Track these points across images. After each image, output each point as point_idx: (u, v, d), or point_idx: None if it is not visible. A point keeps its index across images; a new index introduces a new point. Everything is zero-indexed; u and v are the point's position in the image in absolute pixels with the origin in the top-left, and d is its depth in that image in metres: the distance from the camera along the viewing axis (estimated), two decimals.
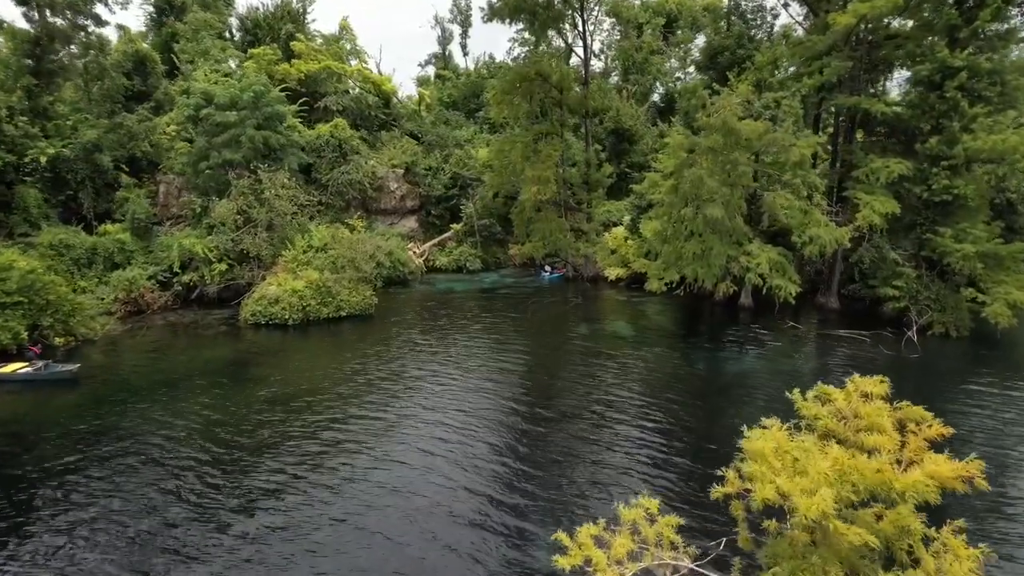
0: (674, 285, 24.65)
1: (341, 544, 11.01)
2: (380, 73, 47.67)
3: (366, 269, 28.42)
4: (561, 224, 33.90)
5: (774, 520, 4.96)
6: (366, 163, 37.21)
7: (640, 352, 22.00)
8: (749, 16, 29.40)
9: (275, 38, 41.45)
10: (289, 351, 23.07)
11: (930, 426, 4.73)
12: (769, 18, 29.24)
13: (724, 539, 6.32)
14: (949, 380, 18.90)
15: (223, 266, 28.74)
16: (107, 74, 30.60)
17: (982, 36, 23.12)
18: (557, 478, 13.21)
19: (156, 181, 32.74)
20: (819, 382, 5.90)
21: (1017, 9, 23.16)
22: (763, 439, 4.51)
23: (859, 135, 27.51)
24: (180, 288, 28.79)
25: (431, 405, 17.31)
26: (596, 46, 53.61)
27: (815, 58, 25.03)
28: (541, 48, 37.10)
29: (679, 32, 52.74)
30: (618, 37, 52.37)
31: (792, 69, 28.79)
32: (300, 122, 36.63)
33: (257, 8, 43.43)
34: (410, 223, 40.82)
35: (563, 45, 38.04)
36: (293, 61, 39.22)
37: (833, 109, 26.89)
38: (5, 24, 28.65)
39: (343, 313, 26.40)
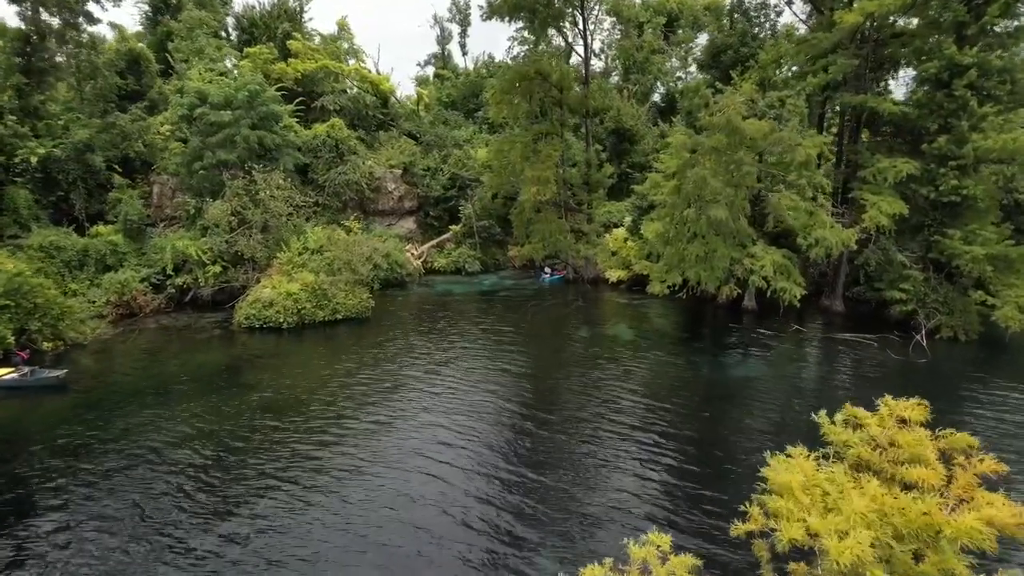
0: (676, 288, 24.14)
1: (334, 556, 10.59)
2: (378, 72, 47.17)
3: (363, 271, 27.91)
4: (561, 225, 33.40)
5: (802, 564, 4.46)
6: (363, 163, 36.71)
7: (642, 356, 21.51)
8: (752, 14, 28.91)
9: (271, 37, 40.94)
10: (283, 355, 22.57)
11: (981, 460, 4.23)
12: (773, 15, 28.79)
13: None
14: (960, 385, 18.41)
15: (217, 268, 28.23)
16: (100, 73, 30.06)
17: (990, 33, 22.66)
18: (560, 489, 12.73)
19: (150, 182, 32.22)
20: (847, 403, 5.35)
21: None
22: (789, 470, 4.02)
23: (864, 135, 27.05)
24: (174, 291, 28.28)
25: (429, 411, 16.83)
26: (596, 45, 53.18)
27: (820, 56, 24.57)
28: (541, 47, 36.63)
29: (680, 31, 52.26)
30: (619, 36, 51.89)
31: (795, 68, 28.39)
32: (296, 122, 36.11)
33: (253, 6, 42.97)
34: (408, 224, 40.31)
35: (563, 44, 37.59)
36: (290, 60, 38.71)
37: (838, 108, 26.40)
38: None
39: (339, 316, 25.90)
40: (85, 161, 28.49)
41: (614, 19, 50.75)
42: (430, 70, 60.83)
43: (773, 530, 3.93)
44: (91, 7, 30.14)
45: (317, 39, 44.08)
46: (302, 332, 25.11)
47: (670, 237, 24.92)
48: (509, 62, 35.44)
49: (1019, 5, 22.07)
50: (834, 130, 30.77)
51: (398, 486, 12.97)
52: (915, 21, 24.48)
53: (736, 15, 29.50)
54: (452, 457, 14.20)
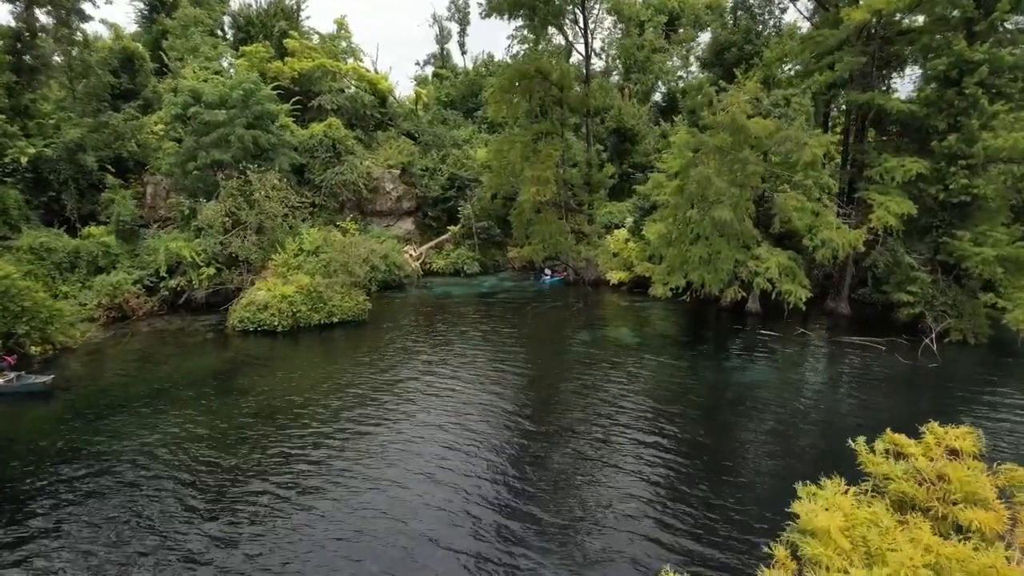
0: (679, 291, 23.63)
1: (327, 565, 10.16)
2: (376, 72, 46.66)
3: (359, 273, 27.40)
4: (561, 226, 32.90)
5: None
6: (361, 163, 36.20)
7: (645, 361, 21.00)
8: (756, 10, 28.41)
9: (268, 35, 40.44)
10: (278, 360, 22.05)
11: None
12: (777, 12, 28.26)
13: None
14: (972, 391, 17.88)
15: (211, 270, 27.71)
16: (92, 71, 29.57)
17: (1000, 29, 22.18)
18: (563, 498, 12.25)
19: (143, 182, 31.73)
20: (887, 429, 4.82)
21: None
22: (826, 511, 3.51)
23: (870, 135, 26.56)
24: (167, 293, 27.77)
25: (427, 418, 16.32)
26: (597, 44, 52.64)
27: (826, 53, 24.08)
28: (541, 46, 36.15)
29: (681, 30, 51.79)
30: (619, 35, 51.42)
31: (798, 67, 27.88)
32: (293, 121, 35.62)
33: (249, 4, 42.44)
34: (406, 225, 39.80)
35: (563, 43, 37.10)
36: (286, 59, 38.22)
37: (844, 107, 25.89)
38: None
39: (335, 319, 25.38)
40: (77, 161, 27.98)
41: (615, 18, 50.30)
42: (429, 70, 60.38)
43: None
44: (83, 4, 29.77)
45: (315, 39, 43.59)
46: (297, 335, 24.60)
47: (673, 238, 24.43)
48: (509, 60, 34.91)
49: None
50: (839, 129, 30.32)
51: (396, 494, 12.50)
52: (921, 19, 24.03)
53: (740, 12, 28.98)
54: (452, 464, 13.73)
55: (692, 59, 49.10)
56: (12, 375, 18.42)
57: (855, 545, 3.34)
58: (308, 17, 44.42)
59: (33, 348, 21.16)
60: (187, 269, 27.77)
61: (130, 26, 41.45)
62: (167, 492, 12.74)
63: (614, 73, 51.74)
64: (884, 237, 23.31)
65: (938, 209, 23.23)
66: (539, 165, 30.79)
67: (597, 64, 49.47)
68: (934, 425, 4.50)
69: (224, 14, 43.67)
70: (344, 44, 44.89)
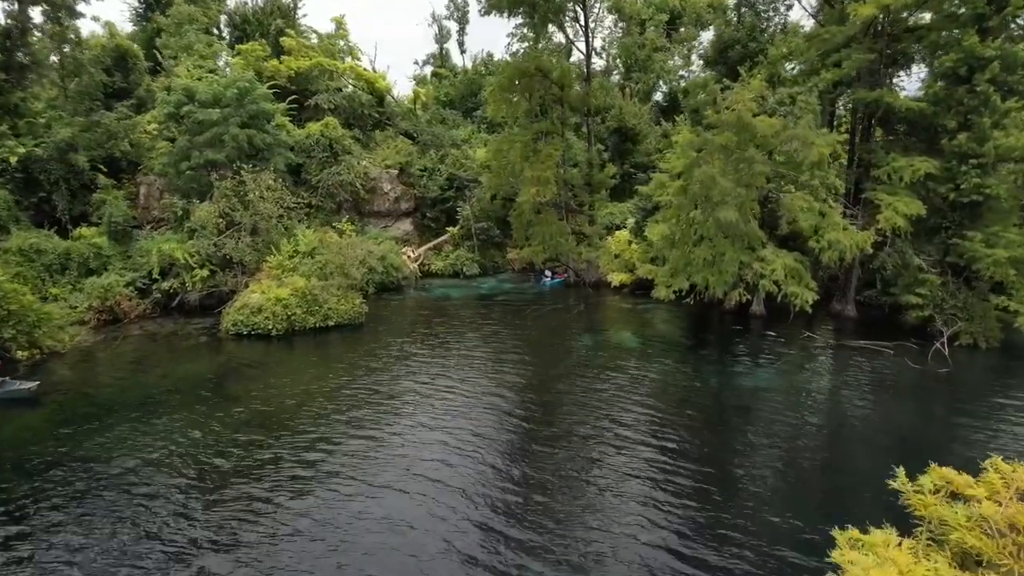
0: (683, 293, 23.09)
1: None
2: (374, 71, 46.13)
3: (356, 275, 26.83)
4: (562, 227, 32.35)
5: None
6: (358, 163, 35.66)
7: (648, 365, 20.47)
8: (760, 7, 27.90)
9: (264, 34, 39.91)
10: (272, 364, 21.51)
11: None
12: (782, 9, 27.75)
13: None
14: (986, 397, 17.35)
15: (205, 272, 27.15)
16: (84, 70, 29.01)
17: (1012, 25, 21.68)
18: (567, 512, 11.73)
19: (136, 182, 31.17)
20: (932, 463, 4.27)
21: None
22: (878, 568, 2.95)
23: (877, 134, 26.04)
24: (160, 295, 27.20)
25: (425, 425, 15.81)
26: (597, 43, 52.06)
27: (833, 51, 23.57)
28: (541, 45, 35.64)
29: (682, 29, 51.30)
30: (620, 34, 50.91)
31: (800, 67, 27.37)
32: (289, 121, 35.09)
33: (246, 3, 41.91)
34: (404, 226, 39.26)
35: (563, 41, 36.61)
36: (283, 58, 37.69)
37: (851, 105, 25.37)
38: None
39: (331, 322, 24.82)
40: (68, 161, 27.42)
41: (615, 16, 49.80)
42: (428, 70, 59.88)
43: None
44: (77, 5, 29.20)
45: (313, 38, 43.06)
46: (292, 339, 24.05)
47: (676, 240, 23.90)
48: (508, 59, 34.38)
49: None
50: (843, 128, 29.79)
51: (392, 508, 11.97)
52: (928, 16, 23.52)
53: (744, 9, 28.47)
54: (450, 476, 13.21)
55: (694, 58, 48.64)
56: None
57: None
58: (305, 15, 43.96)
59: (19, 353, 20.59)
60: (180, 271, 27.22)
61: (125, 25, 41.01)
62: (155, 504, 12.23)
63: (615, 72, 51.24)
64: (892, 238, 22.78)
65: (948, 210, 22.71)
66: (539, 165, 30.26)
67: (597, 63, 49.01)
68: (998, 460, 3.94)
69: (221, 13, 43.17)
70: (342, 43, 44.37)
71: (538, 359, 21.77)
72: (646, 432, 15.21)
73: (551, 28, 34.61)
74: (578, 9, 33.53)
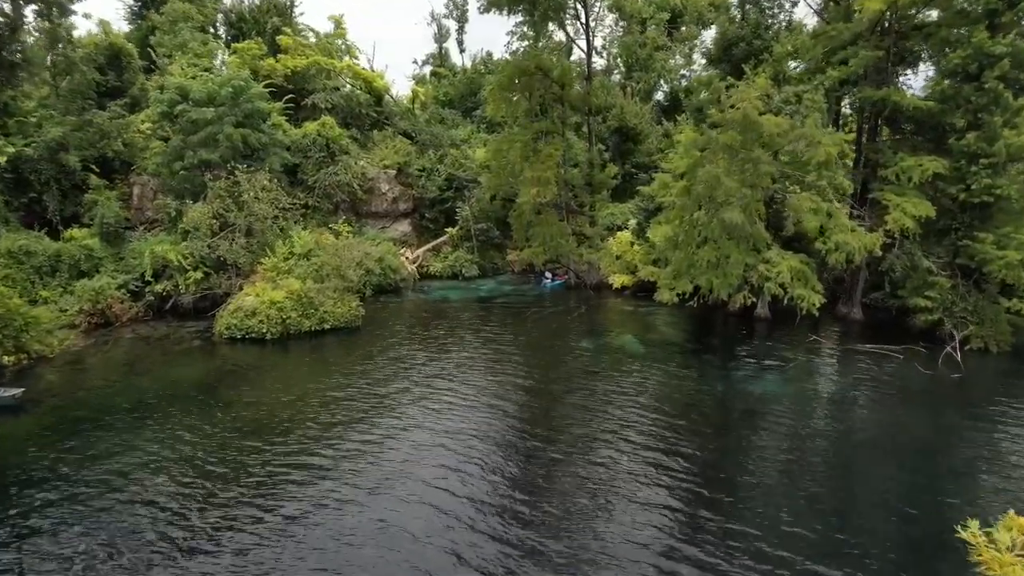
0: (686, 296, 22.57)
1: None
2: (372, 70, 45.61)
3: (353, 278, 26.30)
4: (563, 228, 31.83)
5: None
6: (356, 163, 35.12)
7: (651, 370, 19.97)
8: (765, 4, 27.40)
9: (261, 32, 39.38)
10: (266, 369, 21.00)
11: None
12: (787, 5, 27.26)
13: None
14: (1002, 404, 16.82)
15: (199, 274, 26.62)
16: (76, 68, 28.47)
17: None
18: (570, 522, 11.28)
19: (130, 183, 30.64)
20: (1009, 510, 3.76)
21: None
22: None
23: (883, 133, 25.56)
24: (152, 298, 26.66)
25: (422, 433, 15.31)
26: (598, 42, 51.54)
27: (839, 48, 23.06)
28: (541, 44, 35.17)
29: (683, 28, 50.82)
30: (621, 33, 50.42)
31: (802, 65, 26.88)
32: (286, 120, 34.57)
33: (242, 1, 41.37)
34: (403, 227, 38.72)
35: (564, 40, 36.12)
36: (279, 56, 37.16)
37: (857, 104, 24.85)
38: None
39: (327, 326, 24.29)
40: (59, 161, 26.90)
41: (616, 15, 49.30)
42: (427, 70, 59.37)
43: None
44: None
45: (312, 37, 42.52)
46: (287, 343, 23.52)
47: (679, 241, 23.38)
48: (508, 57, 33.87)
49: None
50: (847, 128, 29.31)
51: (389, 517, 11.55)
52: (935, 13, 23.04)
53: (748, 6, 27.97)
54: (450, 484, 12.77)
55: (696, 57, 48.20)
56: None
57: None
58: (302, 13, 43.42)
59: (6, 358, 20.04)
60: (174, 273, 26.69)
61: (121, 24, 40.47)
62: (145, 514, 11.78)
63: (615, 72, 50.75)
64: (900, 240, 22.28)
65: (957, 210, 22.21)
66: (539, 165, 29.74)
67: (598, 63, 48.48)
68: None
69: (218, 12, 42.62)
70: (339, 42, 43.83)
71: (539, 364, 21.26)
72: (652, 440, 14.71)
73: (551, 26, 34.16)
74: (579, 7, 33.04)
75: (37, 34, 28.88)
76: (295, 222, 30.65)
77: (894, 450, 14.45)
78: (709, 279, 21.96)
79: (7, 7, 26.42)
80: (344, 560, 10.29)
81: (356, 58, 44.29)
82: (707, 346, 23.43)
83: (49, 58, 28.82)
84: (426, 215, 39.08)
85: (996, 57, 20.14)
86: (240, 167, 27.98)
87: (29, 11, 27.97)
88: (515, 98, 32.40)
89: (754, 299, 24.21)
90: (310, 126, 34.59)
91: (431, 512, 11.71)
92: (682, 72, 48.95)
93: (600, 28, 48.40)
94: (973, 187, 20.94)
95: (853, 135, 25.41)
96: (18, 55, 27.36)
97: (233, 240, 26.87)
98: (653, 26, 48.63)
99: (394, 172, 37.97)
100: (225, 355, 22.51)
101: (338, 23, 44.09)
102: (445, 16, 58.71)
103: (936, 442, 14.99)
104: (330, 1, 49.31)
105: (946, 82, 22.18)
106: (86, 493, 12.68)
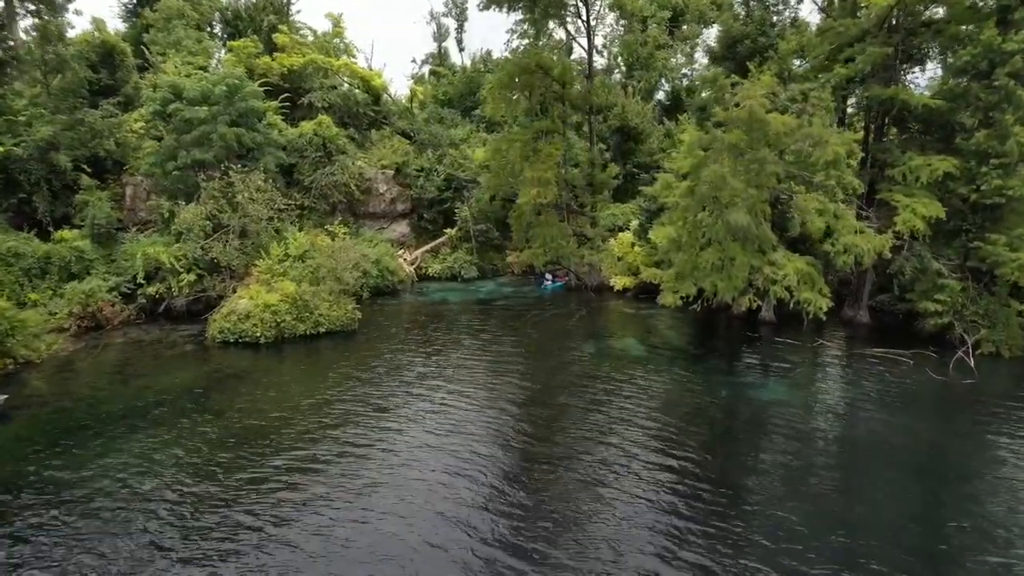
0: (690, 299, 22.03)
1: None
2: (370, 69, 45.05)
3: (349, 280, 25.76)
4: (563, 229, 31.29)
5: None
6: (353, 163, 34.57)
7: (653, 375, 19.46)
8: (770, 0, 26.86)
9: (257, 30, 38.83)
10: (260, 374, 20.46)
11: None
12: (793, 1, 26.72)
13: None
14: (1016, 410, 16.30)
15: (192, 276, 26.09)
16: (67, 66, 27.90)
17: None
18: (572, 540, 10.77)
19: (123, 183, 30.10)
20: None
21: None
22: None
23: (891, 132, 25.03)
24: (145, 301, 26.12)
25: (421, 441, 14.85)
26: (598, 41, 51.02)
27: (847, 45, 22.54)
28: (541, 42, 34.63)
29: (685, 27, 50.29)
30: (622, 31, 49.89)
31: (805, 63, 26.35)
32: (282, 119, 34.02)
33: None
34: (401, 228, 38.18)
35: (564, 38, 35.59)
36: (275, 55, 36.61)
37: (864, 103, 24.33)
38: None
39: (322, 329, 23.76)
40: (49, 160, 26.36)
41: (617, 14, 48.75)
42: (427, 69, 58.81)
43: None
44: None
45: (309, 37, 41.97)
46: (281, 347, 22.99)
47: (683, 243, 22.83)
48: (508, 56, 33.34)
49: None
50: (853, 127, 28.74)
51: (386, 527, 11.13)
52: (942, 11, 22.52)
53: (753, 2, 27.42)
54: (449, 494, 12.34)
55: (697, 55, 47.66)
56: None
57: None
58: (299, 11, 42.87)
59: None
60: (166, 275, 26.16)
61: (116, 22, 39.99)
62: (128, 529, 11.33)
63: (615, 71, 50.22)
64: (910, 242, 21.75)
65: (968, 211, 21.69)
66: (540, 165, 29.19)
67: (598, 62, 47.91)
68: None
69: (215, 10, 42.01)
70: (337, 41, 43.27)
71: (539, 368, 20.75)
72: (657, 448, 14.22)
73: (551, 24, 33.61)
74: (579, 4, 32.48)
75: (30, 31, 28.31)
76: (291, 223, 30.11)
77: (907, 460, 13.95)
78: (713, 282, 21.39)
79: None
80: (339, 572, 9.80)
81: (354, 57, 43.75)
82: (711, 350, 22.91)
83: (40, 56, 28.22)
84: (424, 216, 38.54)
85: (1008, 54, 19.65)
86: (234, 167, 27.43)
87: (20, 7, 27.45)
88: (515, 97, 31.87)
89: (759, 302, 23.67)
90: (306, 125, 34.05)
91: (429, 523, 11.30)
92: (683, 71, 48.44)
93: (601, 27, 47.95)
94: (983, 188, 20.45)
95: (861, 134, 24.89)
96: (7, 52, 26.82)
97: (227, 242, 26.35)
98: (654, 24, 48.11)
99: (392, 172, 37.43)
100: (218, 360, 21.98)
101: (336, 22, 43.54)
102: (444, 15, 58.26)
103: (950, 450, 14.48)
104: (328, 0, 48.87)
105: (954, 80, 21.69)
106: (70, 505, 12.22)
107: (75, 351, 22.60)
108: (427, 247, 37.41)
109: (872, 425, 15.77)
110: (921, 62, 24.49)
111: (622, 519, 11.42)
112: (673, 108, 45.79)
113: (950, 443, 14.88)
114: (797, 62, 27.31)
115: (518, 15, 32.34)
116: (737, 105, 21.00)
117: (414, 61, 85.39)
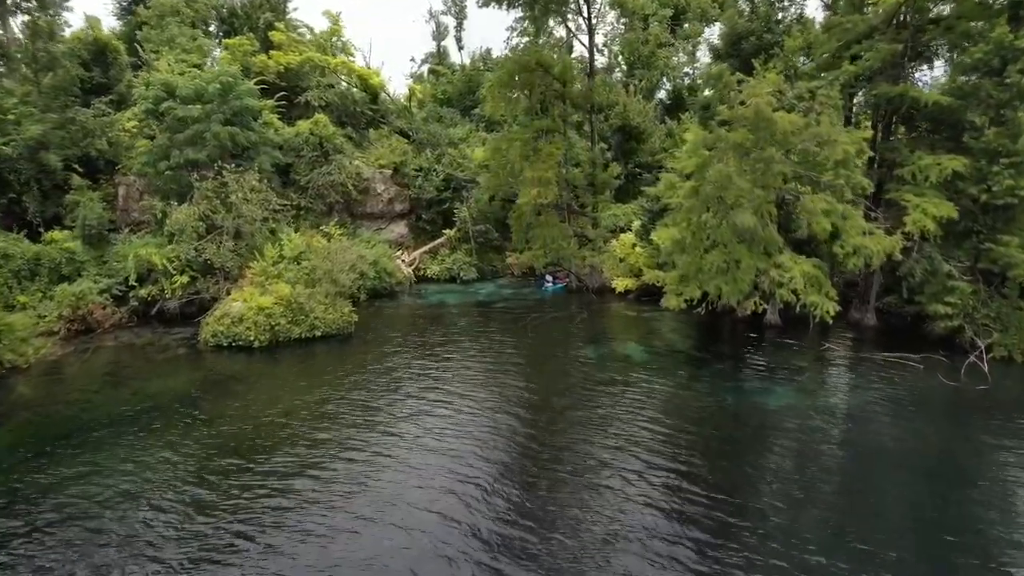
0: (694, 302, 21.51)
1: None
2: (368, 67, 44.50)
3: (345, 282, 25.23)
4: (564, 230, 30.76)
5: None
6: (350, 163, 34.02)
7: (658, 381, 18.94)
8: None
9: (253, 28, 38.28)
10: (253, 379, 19.95)
11: None
12: None
13: None
14: None
15: (185, 278, 25.55)
16: (58, 63, 27.35)
17: None
18: (581, 552, 10.34)
19: (115, 183, 29.54)
20: None
21: None
22: None
23: (899, 131, 24.51)
24: (137, 303, 25.59)
25: (416, 450, 14.34)
26: (599, 40, 50.45)
27: (854, 42, 22.03)
28: (542, 40, 34.10)
29: (687, 25, 49.77)
30: (622, 30, 49.36)
31: (812, 61, 25.86)
32: (278, 118, 33.48)
33: None
34: (399, 228, 37.63)
35: (564, 36, 35.07)
36: (272, 52, 36.06)
37: (872, 101, 23.79)
38: None
39: (317, 333, 23.22)
40: (39, 160, 25.80)
41: (617, 12, 48.20)
42: (426, 68, 58.25)
43: None
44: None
45: (307, 35, 41.40)
46: (275, 351, 22.44)
47: (687, 244, 22.30)
48: (508, 53, 32.80)
49: None
50: (859, 125, 28.24)
51: (379, 544, 10.64)
52: (949, 8, 22.02)
53: None
54: (446, 508, 11.82)
55: (699, 54, 47.16)
56: None
57: None
58: (295, 9, 42.32)
59: None
60: (159, 277, 25.61)
61: (110, 20, 39.39)
62: (115, 542, 10.86)
63: (616, 70, 49.68)
64: (920, 243, 21.24)
65: (978, 212, 21.17)
66: (540, 165, 28.64)
67: (599, 60, 47.31)
68: None
69: (211, 7, 41.43)
70: (335, 39, 42.69)
71: (540, 373, 20.25)
72: (662, 458, 13.72)
73: (552, 22, 33.09)
74: (581, 1, 31.91)
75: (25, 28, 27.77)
76: (287, 223, 29.57)
77: (920, 468, 13.46)
78: (718, 285, 20.86)
79: None
80: None
81: (352, 56, 43.19)
82: (716, 355, 22.38)
83: (31, 53, 27.66)
84: (423, 216, 37.99)
85: (1020, 51, 19.14)
86: (228, 167, 26.89)
87: (12, 4, 26.91)
88: (515, 95, 31.32)
89: (764, 305, 23.15)
90: (303, 124, 33.51)
91: (425, 539, 10.78)
92: (685, 70, 47.92)
93: (601, 25, 47.40)
94: (994, 188, 19.94)
95: (870, 132, 24.38)
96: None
97: (221, 243, 25.80)
98: (655, 23, 47.57)
99: (390, 172, 36.90)
100: (210, 364, 21.47)
101: (334, 20, 42.96)
102: (443, 13, 57.69)
103: (964, 459, 13.97)
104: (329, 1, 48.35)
105: (963, 78, 21.18)
106: (51, 519, 11.73)
107: (64, 355, 22.08)
108: (425, 248, 36.87)
109: (884, 433, 15.25)
110: (929, 60, 23.98)
111: (627, 534, 10.93)
112: (675, 107, 45.27)
113: (964, 451, 14.36)
114: (802, 59, 26.84)
115: (518, 12, 31.87)
116: (742, 103, 20.49)
117: (413, 60, 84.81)
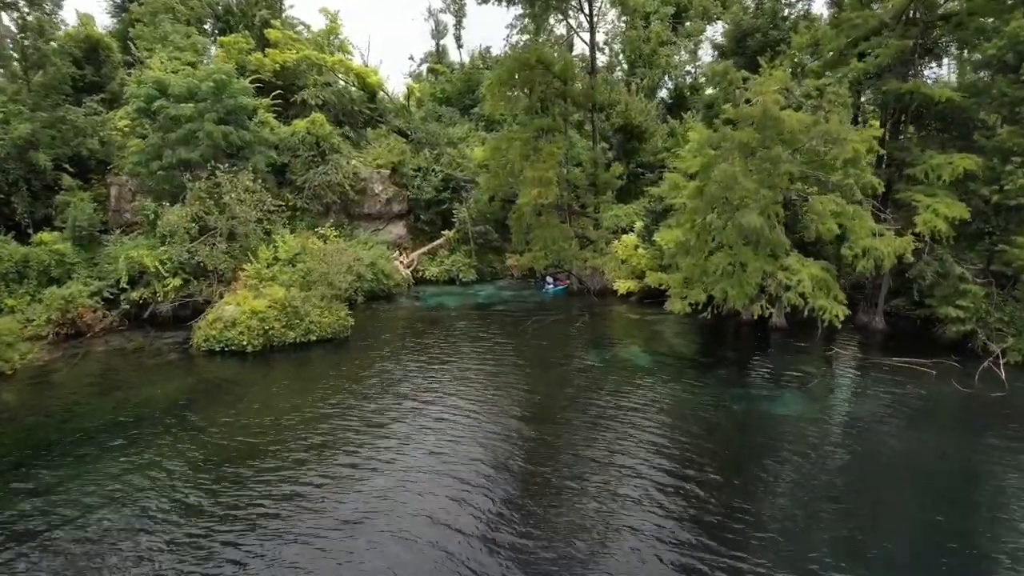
0: (699, 306, 20.95)
1: None
2: (367, 66, 43.92)
3: (341, 284, 24.66)
4: (564, 231, 30.21)
5: None
6: (347, 163, 33.46)
7: (662, 386, 18.40)
8: None
9: (248, 26, 37.71)
10: (246, 385, 19.37)
11: None
12: None
13: None
14: None
15: (177, 281, 25.01)
16: (48, 61, 26.79)
17: None
18: (582, 568, 9.81)
19: (107, 183, 29.00)
20: None
21: None
22: None
23: (908, 130, 23.97)
24: (128, 306, 25.03)
25: (413, 459, 13.83)
26: (600, 38, 49.87)
27: (863, 39, 21.48)
28: (542, 38, 33.56)
29: (688, 23, 49.22)
30: (623, 28, 48.78)
31: (819, 58, 25.32)
32: (274, 117, 32.91)
33: None
34: (397, 229, 37.06)
35: (564, 34, 34.52)
36: (268, 50, 35.49)
37: (881, 99, 23.24)
38: None
39: (313, 337, 22.65)
40: (28, 160, 25.24)
41: (618, 10, 47.62)
42: (425, 67, 57.69)
43: None
44: None
45: (304, 33, 40.81)
46: (269, 356, 21.89)
47: (691, 246, 21.74)
48: (508, 51, 32.24)
49: None
50: (867, 123, 27.71)
51: (377, 557, 10.15)
52: (958, 3, 21.47)
53: None
54: (444, 518, 11.36)
55: (701, 52, 46.59)
56: None
57: None
58: (292, 6, 41.74)
59: None
60: (151, 280, 25.06)
61: (104, 18, 38.86)
62: (101, 558, 10.37)
63: (617, 68, 49.13)
64: (931, 244, 20.68)
65: (991, 213, 20.63)
66: (540, 165, 28.09)
67: (600, 59, 46.77)
68: None
69: (207, 5, 40.87)
70: (333, 38, 42.11)
71: (541, 378, 19.70)
72: (666, 467, 13.18)
73: (552, 20, 32.58)
74: None
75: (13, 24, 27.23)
76: (283, 225, 29.00)
77: (936, 482, 12.89)
78: (724, 288, 20.31)
79: None
80: None
81: (350, 54, 42.60)
82: (721, 359, 21.83)
83: (21, 50, 27.10)
84: (421, 217, 37.42)
85: None
86: (222, 167, 26.32)
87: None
88: (515, 94, 30.77)
89: (770, 308, 22.59)
90: (299, 123, 32.95)
91: (423, 551, 10.32)
92: (687, 68, 47.38)
93: (602, 23, 46.81)
94: (1007, 187, 19.38)
95: (880, 130, 23.86)
96: None
97: (214, 244, 25.25)
98: (657, 21, 47.02)
99: (388, 172, 36.33)
100: (202, 370, 20.92)
101: (332, 18, 42.38)
102: (442, 11, 57.11)
103: (981, 470, 13.40)
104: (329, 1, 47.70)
105: (975, 75, 20.64)
106: (35, 533, 11.18)
107: (52, 360, 21.51)
108: (424, 249, 36.30)
109: (897, 442, 14.69)
110: (939, 56, 23.44)
111: (631, 547, 10.41)
112: (677, 106, 44.72)
113: (981, 462, 13.80)
114: (809, 57, 26.28)
115: (518, 9, 31.41)
116: (748, 101, 19.94)
117: (411, 58, 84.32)
